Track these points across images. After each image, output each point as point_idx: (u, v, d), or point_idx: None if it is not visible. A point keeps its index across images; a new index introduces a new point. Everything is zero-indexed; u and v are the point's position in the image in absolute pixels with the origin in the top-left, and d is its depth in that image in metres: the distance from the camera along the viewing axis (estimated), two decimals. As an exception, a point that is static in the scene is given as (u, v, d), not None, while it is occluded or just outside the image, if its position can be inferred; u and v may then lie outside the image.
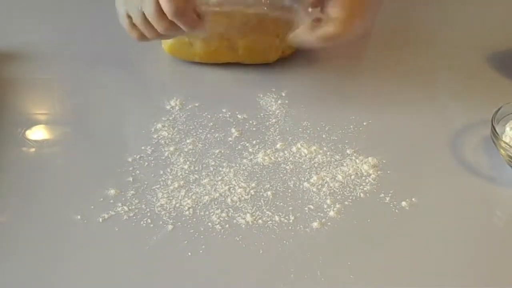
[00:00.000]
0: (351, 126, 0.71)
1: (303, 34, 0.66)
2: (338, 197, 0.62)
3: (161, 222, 0.59)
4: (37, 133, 0.71)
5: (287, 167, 0.65)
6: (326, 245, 0.57)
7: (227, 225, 0.58)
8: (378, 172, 0.65)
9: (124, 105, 0.74)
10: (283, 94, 0.76)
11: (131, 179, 0.63)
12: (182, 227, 0.58)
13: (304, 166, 0.65)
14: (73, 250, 0.56)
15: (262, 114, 0.73)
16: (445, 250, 0.57)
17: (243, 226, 0.58)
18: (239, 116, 0.72)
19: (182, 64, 0.81)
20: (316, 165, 0.65)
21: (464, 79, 0.80)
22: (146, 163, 0.65)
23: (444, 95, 0.77)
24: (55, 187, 0.63)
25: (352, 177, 0.64)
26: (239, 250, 0.56)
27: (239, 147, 0.68)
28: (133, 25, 0.69)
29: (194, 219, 0.59)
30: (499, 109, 0.66)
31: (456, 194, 0.63)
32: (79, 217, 0.59)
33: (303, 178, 0.64)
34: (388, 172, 0.65)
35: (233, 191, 0.62)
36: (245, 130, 0.70)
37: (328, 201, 0.61)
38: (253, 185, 0.63)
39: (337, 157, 0.67)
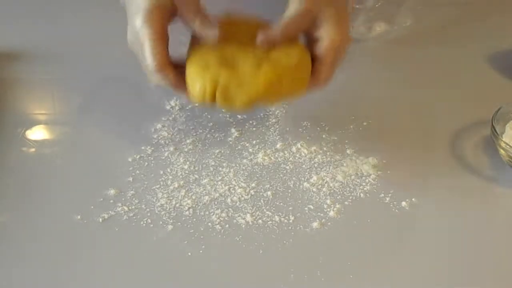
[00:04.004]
0: (351, 126, 0.71)
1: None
2: (338, 197, 0.62)
3: (161, 222, 0.59)
4: (37, 133, 0.71)
5: (287, 167, 0.65)
6: (326, 245, 0.57)
7: (227, 225, 0.58)
8: (378, 172, 0.64)
9: (124, 105, 0.74)
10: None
11: (131, 179, 0.63)
12: (182, 227, 0.58)
13: (304, 166, 0.65)
14: (73, 250, 0.56)
15: (262, 114, 0.73)
16: (445, 250, 0.57)
17: (243, 226, 0.58)
18: (239, 116, 0.72)
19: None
20: (316, 165, 0.65)
21: (464, 79, 0.80)
22: (146, 163, 0.65)
23: (444, 95, 0.77)
24: (55, 187, 0.63)
25: (352, 177, 0.64)
26: (239, 250, 0.56)
27: (239, 147, 0.68)
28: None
29: (194, 219, 0.59)
30: (499, 109, 0.66)
31: (456, 194, 0.63)
32: (79, 217, 0.59)
33: (303, 178, 0.64)
34: (388, 172, 0.65)
35: (233, 191, 0.62)
36: (245, 130, 0.70)
37: (328, 201, 0.61)
38: (253, 185, 0.63)
39: (337, 157, 0.66)
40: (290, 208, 0.60)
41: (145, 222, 0.59)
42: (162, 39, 0.59)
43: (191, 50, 0.62)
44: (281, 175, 0.64)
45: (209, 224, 0.59)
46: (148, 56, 0.59)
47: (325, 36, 0.61)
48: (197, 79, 0.58)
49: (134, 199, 0.61)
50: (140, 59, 0.61)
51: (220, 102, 0.58)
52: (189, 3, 0.62)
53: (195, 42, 0.62)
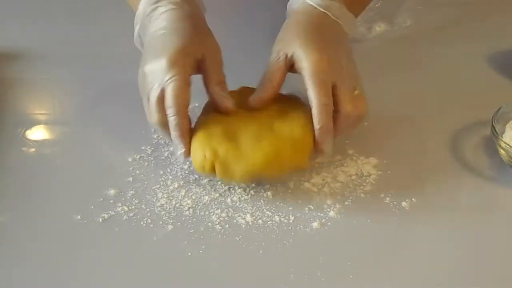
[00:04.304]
0: (351, 126, 0.71)
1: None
2: (338, 197, 0.61)
3: (161, 222, 0.59)
4: (37, 133, 0.71)
5: (287, 167, 0.65)
6: (326, 245, 0.57)
7: (227, 225, 0.58)
8: (379, 172, 0.64)
9: (124, 105, 0.74)
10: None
11: (131, 179, 0.63)
12: (182, 227, 0.58)
13: (304, 166, 0.65)
14: (73, 250, 0.56)
15: (262, 114, 0.73)
16: (445, 250, 0.57)
17: (243, 226, 0.58)
18: (239, 116, 0.72)
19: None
20: (317, 165, 0.65)
21: (464, 79, 0.80)
22: (146, 163, 0.65)
23: (444, 95, 0.77)
24: (55, 187, 0.63)
25: (353, 177, 0.64)
26: (239, 250, 0.56)
27: (239, 147, 0.68)
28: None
29: (194, 219, 0.59)
30: (499, 109, 0.66)
31: (456, 194, 0.63)
32: (79, 217, 0.59)
33: (303, 178, 0.64)
34: (389, 172, 0.65)
35: (233, 191, 0.62)
36: (245, 130, 0.70)
37: (328, 201, 0.61)
38: (253, 185, 0.63)
39: (338, 157, 0.66)
40: (290, 208, 0.60)
41: (145, 222, 0.59)
42: (186, 85, 0.59)
43: (203, 114, 0.63)
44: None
45: (209, 224, 0.59)
46: (169, 97, 0.58)
47: (303, 65, 0.60)
48: (199, 149, 0.59)
49: (134, 199, 0.61)
50: (147, 96, 0.61)
51: (219, 174, 0.59)
52: (216, 67, 0.62)
53: (210, 106, 0.63)
